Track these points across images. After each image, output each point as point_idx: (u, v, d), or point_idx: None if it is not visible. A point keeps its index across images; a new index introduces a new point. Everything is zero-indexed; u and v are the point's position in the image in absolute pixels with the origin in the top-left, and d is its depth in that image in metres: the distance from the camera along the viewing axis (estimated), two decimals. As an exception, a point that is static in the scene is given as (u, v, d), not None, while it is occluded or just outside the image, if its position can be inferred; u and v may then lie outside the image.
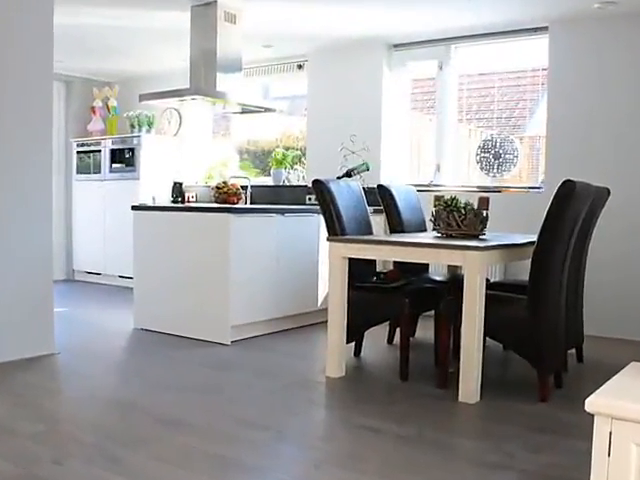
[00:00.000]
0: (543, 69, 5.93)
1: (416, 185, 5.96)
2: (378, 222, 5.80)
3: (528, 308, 3.73)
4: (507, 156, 6.16)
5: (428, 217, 4.57)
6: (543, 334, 3.72)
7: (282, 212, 5.49)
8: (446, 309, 3.94)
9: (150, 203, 7.48)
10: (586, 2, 5.23)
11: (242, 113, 6.47)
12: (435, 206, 4.26)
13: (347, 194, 4.63)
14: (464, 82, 6.51)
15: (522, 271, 5.14)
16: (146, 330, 5.43)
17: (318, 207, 4.55)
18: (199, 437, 3.08)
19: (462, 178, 6.55)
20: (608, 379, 1.80)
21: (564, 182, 3.59)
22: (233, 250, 4.98)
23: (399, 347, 4.19)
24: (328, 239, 4.21)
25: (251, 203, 7.21)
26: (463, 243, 3.76)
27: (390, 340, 5.12)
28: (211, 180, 8.00)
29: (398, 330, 4.63)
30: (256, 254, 5.21)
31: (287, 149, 7.64)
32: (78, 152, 8.43)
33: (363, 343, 4.73)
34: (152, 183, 7.86)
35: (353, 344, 4.66)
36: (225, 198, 6.43)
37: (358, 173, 6.16)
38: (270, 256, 5.35)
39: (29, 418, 3.30)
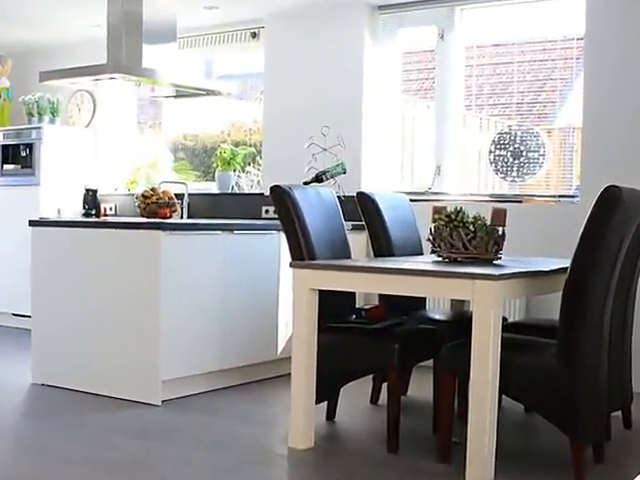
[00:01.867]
0: (578, 39, 5.98)
1: (409, 193, 5.98)
2: (359, 242, 5.81)
3: (559, 357, 3.73)
4: (530, 154, 6.20)
5: (425, 235, 4.57)
6: (578, 391, 3.72)
7: (230, 228, 5.48)
8: (449, 358, 3.94)
9: (54, 217, 7.44)
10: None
11: (177, 97, 6.47)
12: (434, 221, 4.28)
13: (317, 205, 4.63)
14: (473, 56, 6.57)
15: (550, 308, 5.15)
16: (49, 386, 5.38)
17: (278, 222, 4.55)
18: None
19: (470, 184, 6.59)
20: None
21: (607, 188, 3.61)
22: (165, 279, 4.96)
23: (386, 409, 4.17)
24: (291, 265, 4.21)
25: (189, 217, 7.20)
26: (472, 270, 3.76)
27: (374, 399, 5.12)
28: (135, 186, 7.98)
29: (385, 386, 4.61)
30: (196, 285, 5.19)
31: (237, 145, 7.63)
32: (-43, 148, 8.37)
33: (338, 403, 4.71)
34: (57, 190, 7.83)
35: (325, 405, 4.65)
36: (154, 210, 6.41)
37: (332, 177, 6.15)
38: (214, 287, 5.33)
39: None
